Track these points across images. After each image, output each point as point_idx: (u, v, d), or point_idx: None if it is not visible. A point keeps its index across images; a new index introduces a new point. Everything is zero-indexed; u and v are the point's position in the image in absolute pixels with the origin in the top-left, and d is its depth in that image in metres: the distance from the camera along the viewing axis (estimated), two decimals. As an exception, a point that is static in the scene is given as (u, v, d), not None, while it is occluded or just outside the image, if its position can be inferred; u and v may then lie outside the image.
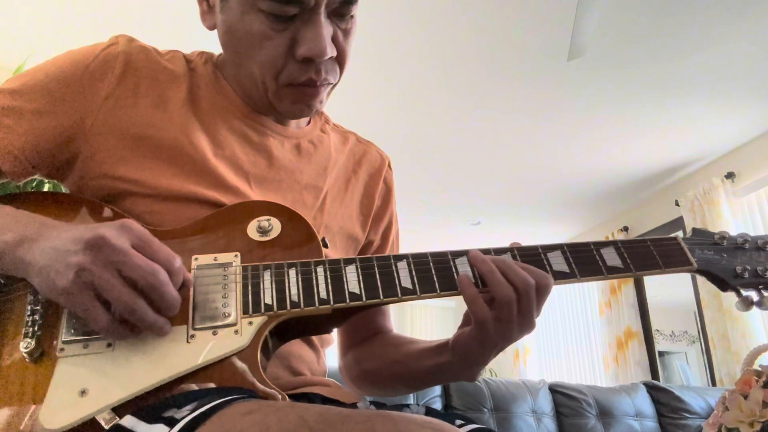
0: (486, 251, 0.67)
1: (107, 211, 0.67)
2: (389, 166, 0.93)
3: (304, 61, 0.68)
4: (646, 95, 3.20)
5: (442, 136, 3.69)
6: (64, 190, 0.74)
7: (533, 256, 0.67)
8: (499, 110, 3.38)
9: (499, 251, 0.67)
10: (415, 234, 5.20)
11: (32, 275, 0.54)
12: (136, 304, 0.52)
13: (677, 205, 4.00)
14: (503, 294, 0.61)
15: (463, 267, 0.65)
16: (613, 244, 0.70)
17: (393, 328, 0.90)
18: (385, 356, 0.81)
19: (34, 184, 2.07)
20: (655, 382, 2.60)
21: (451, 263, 0.65)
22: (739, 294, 0.73)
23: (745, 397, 1.28)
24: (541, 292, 0.63)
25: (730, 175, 3.70)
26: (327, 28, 0.68)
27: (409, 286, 0.63)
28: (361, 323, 0.87)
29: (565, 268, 0.67)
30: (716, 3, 2.49)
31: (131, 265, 0.52)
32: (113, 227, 0.54)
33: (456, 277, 0.64)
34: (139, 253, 0.53)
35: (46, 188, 2.09)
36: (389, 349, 0.82)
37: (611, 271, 0.68)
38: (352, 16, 0.71)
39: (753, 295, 0.73)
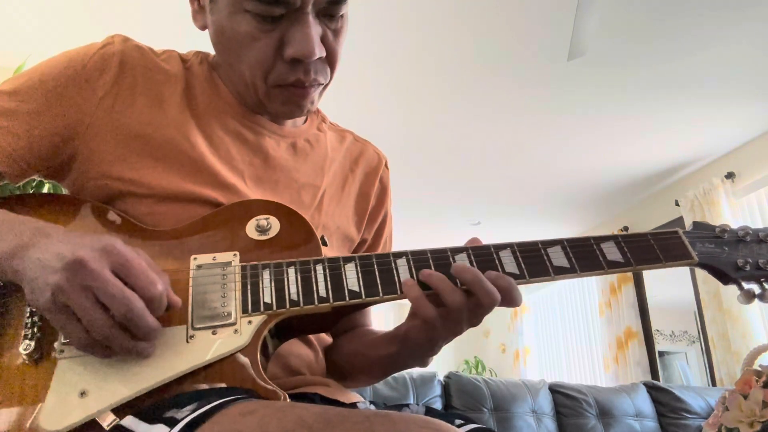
0: (485, 247, 0.66)
1: (105, 213, 0.67)
2: (386, 165, 0.92)
3: (293, 62, 0.68)
4: (646, 95, 3.20)
5: (442, 136, 3.69)
6: (63, 191, 0.74)
7: (533, 251, 0.67)
8: (499, 110, 3.38)
9: (498, 247, 0.67)
10: (415, 234, 5.20)
11: (23, 284, 0.54)
12: (109, 331, 0.51)
13: (677, 205, 4.01)
14: (453, 300, 0.60)
15: (462, 263, 0.65)
16: (614, 238, 0.70)
17: (372, 324, 0.89)
18: (348, 348, 0.81)
19: (34, 185, 2.07)
20: (655, 382, 2.59)
21: (451, 260, 0.65)
22: (740, 287, 0.72)
23: (745, 397, 1.28)
24: (508, 302, 0.62)
25: (730, 175, 3.70)
26: (315, 28, 0.67)
27: None
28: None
29: (565, 263, 0.67)
30: (716, 3, 2.49)
31: (105, 292, 0.50)
32: (95, 249, 0.52)
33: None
34: (119, 277, 0.52)
35: (45, 189, 2.09)
36: (354, 341, 0.81)
37: (611, 266, 0.68)
38: (341, 16, 0.71)
39: (755, 287, 0.72)
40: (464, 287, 0.61)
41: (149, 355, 0.54)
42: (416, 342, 0.66)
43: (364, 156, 0.90)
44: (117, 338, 0.52)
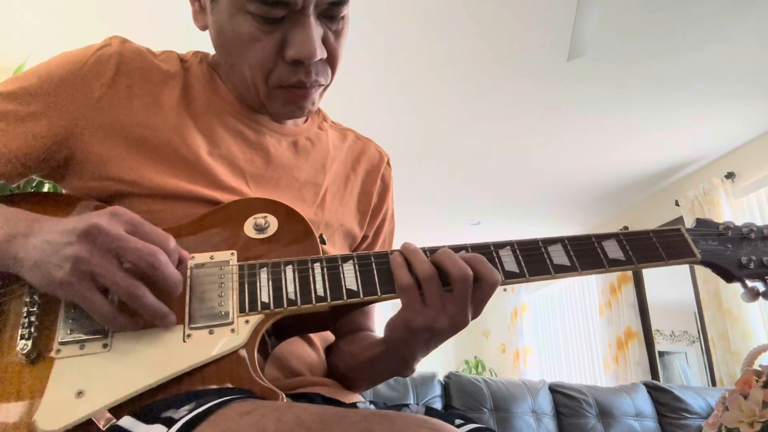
0: (484, 245, 0.66)
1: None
2: (388, 163, 0.92)
3: (294, 63, 0.68)
4: (647, 95, 3.20)
5: (442, 136, 3.69)
6: (63, 191, 0.74)
7: (533, 249, 0.66)
8: (500, 110, 3.38)
9: (497, 245, 0.66)
10: (415, 234, 5.19)
11: (26, 271, 0.54)
12: (138, 288, 0.53)
13: (677, 205, 4.01)
14: (423, 270, 0.60)
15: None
16: (615, 236, 0.69)
17: (375, 329, 0.88)
18: (346, 350, 0.80)
19: (33, 184, 2.07)
20: (655, 382, 2.59)
21: None
22: (744, 285, 0.71)
23: (745, 397, 1.28)
24: (485, 286, 0.61)
25: (730, 175, 3.70)
26: (316, 30, 0.67)
27: None
28: (341, 321, 0.85)
29: (565, 261, 0.66)
30: (717, 2, 2.48)
31: (130, 249, 0.52)
32: (104, 215, 0.54)
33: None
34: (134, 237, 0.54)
35: (45, 189, 2.09)
36: (353, 344, 0.81)
37: (613, 264, 0.67)
38: (342, 17, 0.71)
39: (759, 285, 0.71)
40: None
41: (172, 323, 0.56)
42: (396, 334, 0.65)
43: (365, 154, 0.90)
44: (142, 293, 0.53)
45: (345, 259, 0.63)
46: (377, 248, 0.89)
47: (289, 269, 0.62)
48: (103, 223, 0.52)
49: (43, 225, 0.56)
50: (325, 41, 0.69)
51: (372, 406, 0.77)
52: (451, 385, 2.23)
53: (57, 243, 0.53)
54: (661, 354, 4.36)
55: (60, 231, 0.53)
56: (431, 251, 0.64)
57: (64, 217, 0.63)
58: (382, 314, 0.93)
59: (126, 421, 0.49)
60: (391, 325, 0.66)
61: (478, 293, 0.61)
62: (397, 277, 0.61)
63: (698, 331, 3.96)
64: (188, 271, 0.61)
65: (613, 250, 0.68)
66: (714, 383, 3.63)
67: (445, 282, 0.61)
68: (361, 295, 0.61)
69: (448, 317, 0.61)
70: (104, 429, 0.50)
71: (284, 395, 0.55)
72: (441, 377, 2.27)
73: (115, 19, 2.64)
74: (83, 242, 0.52)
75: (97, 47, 0.72)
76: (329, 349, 0.83)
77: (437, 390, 2.18)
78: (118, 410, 0.52)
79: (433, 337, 0.63)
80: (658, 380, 3.26)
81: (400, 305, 0.63)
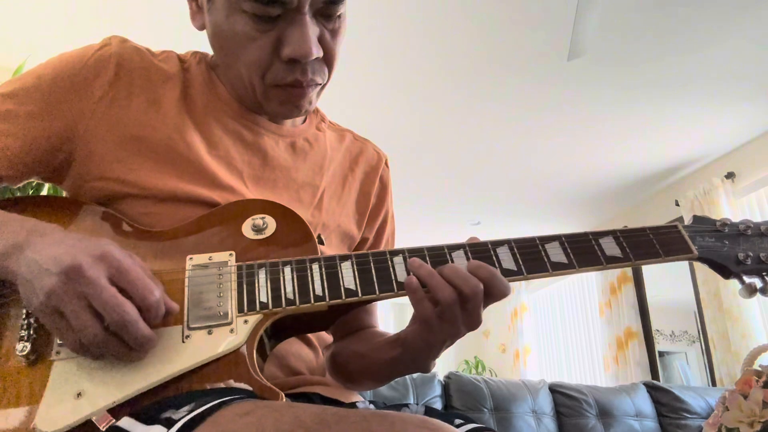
0: (482, 244, 0.66)
1: (103, 215, 0.67)
2: (386, 163, 0.92)
3: (290, 62, 0.68)
4: (647, 95, 3.20)
5: (442, 136, 3.69)
6: (63, 193, 0.74)
7: (530, 247, 0.66)
8: (500, 110, 3.38)
9: (495, 244, 0.66)
10: (415, 234, 5.19)
11: (18, 285, 0.54)
12: (100, 338, 0.51)
13: (677, 205, 4.01)
14: (444, 296, 0.60)
15: (459, 260, 0.64)
16: (612, 233, 0.69)
17: (378, 326, 0.89)
18: (355, 349, 0.80)
19: (33, 185, 2.07)
20: (655, 382, 2.59)
21: (448, 257, 0.64)
22: (742, 281, 0.71)
23: (745, 397, 1.28)
24: (493, 294, 0.61)
25: (730, 175, 3.70)
26: (313, 29, 0.67)
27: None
28: (344, 320, 0.86)
29: (563, 258, 0.66)
30: (717, 2, 2.48)
31: (99, 300, 0.50)
32: (92, 255, 0.52)
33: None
34: (115, 284, 0.52)
35: (45, 191, 2.09)
36: (361, 343, 0.81)
37: (610, 261, 0.67)
38: (339, 16, 0.70)
39: (756, 281, 0.71)
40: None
41: (140, 359, 0.54)
42: (415, 346, 0.66)
43: (363, 155, 0.90)
44: (108, 346, 0.52)
45: (343, 258, 0.63)
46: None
47: (287, 269, 0.62)
48: (85, 266, 0.51)
49: (39, 239, 0.55)
50: (321, 40, 0.69)
51: (372, 406, 0.77)
52: (451, 385, 2.23)
53: (41, 268, 0.51)
54: (661, 354, 4.36)
55: (48, 255, 0.52)
56: (430, 250, 0.64)
57: (64, 225, 0.63)
58: (381, 312, 0.93)
59: (125, 421, 0.50)
60: (410, 338, 0.67)
61: (487, 301, 0.63)
62: (419, 310, 0.62)
63: (698, 331, 3.96)
64: (186, 272, 0.61)
65: (610, 247, 0.68)
66: (714, 383, 3.63)
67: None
68: (360, 295, 0.61)
69: (465, 326, 0.63)
70: (104, 430, 0.50)
71: (283, 394, 0.55)
72: (441, 377, 2.27)
73: (115, 19, 2.64)
74: (61, 278, 0.50)
75: (96, 47, 0.72)
76: (332, 349, 0.83)
77: (437, 390, 2.18)
78: (117, 411, 0.52)
79: (452, 341, 0.66)
80: (658, 380, 3.26)
81: (398, 302, 0.63)
